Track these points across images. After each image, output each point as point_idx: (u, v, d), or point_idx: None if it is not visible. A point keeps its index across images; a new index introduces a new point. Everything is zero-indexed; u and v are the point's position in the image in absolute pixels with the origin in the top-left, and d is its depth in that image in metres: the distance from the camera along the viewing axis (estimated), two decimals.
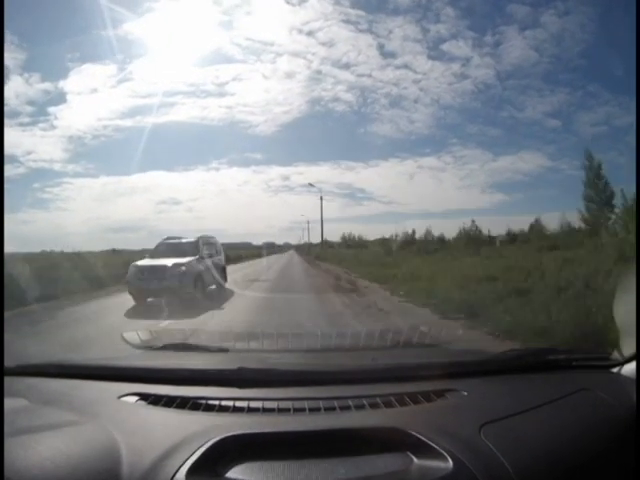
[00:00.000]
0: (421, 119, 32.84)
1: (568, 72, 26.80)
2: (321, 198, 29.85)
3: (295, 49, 34.41)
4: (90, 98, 31.00)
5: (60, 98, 29.49)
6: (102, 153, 35.78)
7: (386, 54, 31.41)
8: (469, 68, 27.16)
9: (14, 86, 24.71)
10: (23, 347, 3.09)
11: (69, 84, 33.05)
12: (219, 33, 30.91)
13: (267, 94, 39.04)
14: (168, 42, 31.25)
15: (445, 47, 29.73)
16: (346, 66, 31.10)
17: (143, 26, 29.93)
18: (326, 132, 38.47)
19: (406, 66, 29.08)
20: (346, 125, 35.96)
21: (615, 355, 1.42)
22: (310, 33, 32.74)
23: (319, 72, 31.90)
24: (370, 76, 29.79)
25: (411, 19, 29.84)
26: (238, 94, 38.25)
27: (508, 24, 26.89)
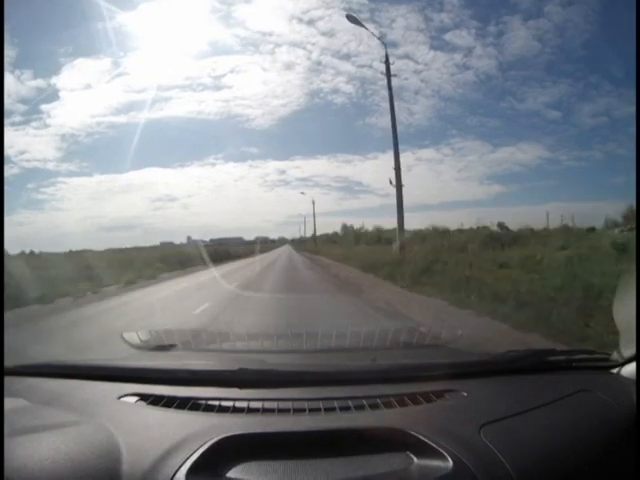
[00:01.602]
0: (421, 111, 32.44)
1: (570, 63, 26.75)
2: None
3: (295, 39, 33.60)
4: (83, 94, 30.43)
5: (53, 95, 28.83)
6: (96, 151, 35.39)
7: (388, 44, 31.09)
8: (471, 58, 27.00)
9: (6, 84, 24.01)
10: (23, 347, 3.09)
11: (62, 80, 31.84)
12: (217, 23, 29.85)
13: (265, 86, 38.33)
14: (164, 34, 30.04)
15: (448, 37, 29.46)
16: (346, 57, 30.64)
17: (138, 18, 28.61)
18: (324, 125, 38.12)
19: (408, 56, 28.63)
20: (345, 118, 35.45)
21: (615, 356, 1.42)
22: (310, 22, 31.79)
23: (319, 63, 31.24)
24: (371, 67, 29.20)
25: (414, 7, 29.62)
26: (235, 87, 37.81)
27: (512, 14, 26.83)
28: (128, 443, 0.96)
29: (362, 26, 16.54)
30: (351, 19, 16.28)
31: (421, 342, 2.12)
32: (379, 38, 16.63)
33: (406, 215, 14.60)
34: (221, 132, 35.10)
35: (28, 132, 28.96)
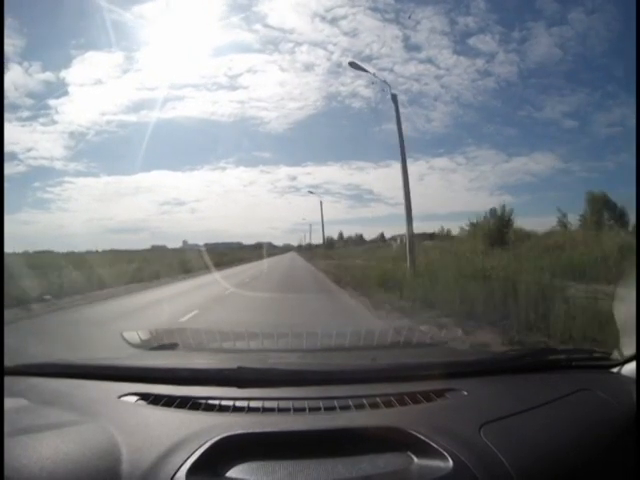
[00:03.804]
0: (439, 118, 31.46)
1: (590, 71, 26.01)
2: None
3: (316, 38, 31.64)
4: (93, 90, 29.01)
5: (62, 90, 27.43)
6: (105, 151, 34.24)
7: (411, 47, 30.09)
8: (493, 65, 26.35)
9: (13, 76, 22.63)
10: (23, 346, 3.08)
11: (71, 74, 30.80)
12: (236, 19, 27.32)
13: (282, 88, 36.41)
14: (180, 28, 28.43)
15: (472, 41, 28.66)
16: (368, 58, 28.76)
17: (153, 10, 27.84)
18: (340, 130, 36.71)
19: (430, 60, 27.81)
20: (361, 123, 34.19)
21: (615, 355, 1.43)
22: (333, 21, 30.42)
23: (339, 65, 29.45)
24: (392, 70, 27.91)
25: (441, 10, 28.72)
26: (251, 87, 36.05)
27: (536, 20, 25.97)
28: (128, 442, 0.96)
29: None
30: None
31: (421, 341, 2.12)
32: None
33: (414, 224, 13.52)
34: (234, 135, 33.92)
35: (35, 128, 27.99)
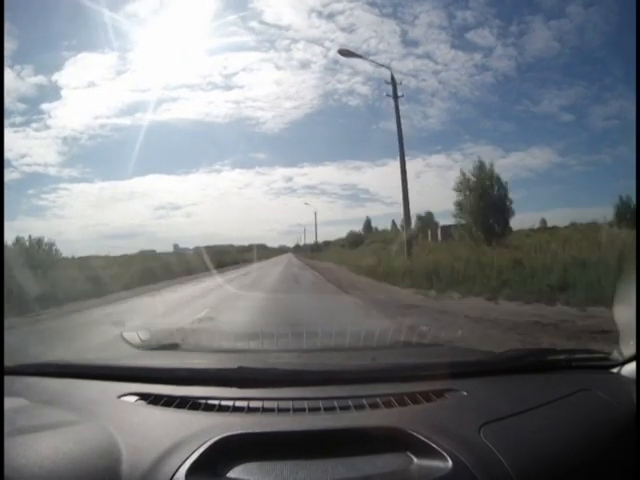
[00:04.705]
0: (436, 114, 30.84)
1: (587, 64, 25.95)
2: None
3: (313, 35, 31.22)
4: (87, 93, 28.08)
5: (54, 94, 26.92)
6: (99, 155, 33.26)
7: (408, 42, 29.12)
8: (491, 59, 26.23)
9: (5, 81, 21.59)
10: (23, 346, 3.08)
11: (64, 77, 29.85)
12: (231, 16, 26.43)
13: (278, 87, 36.14)
14: (174, 27, 27.81)
15: (470, 36, 28.15)
16: (365, 54, 27.85)
17: (146, 9, 27.39)
18: (336, 129, 36.01)
19: (428, 56, 27.10)
20: (358, 121, 33.43)
21: (615, 355, 1.42)
22: (330, 16, 29.58)
23: (336, 62, 28.58)
24: (390, 67, 28.25)
25: (439, 4, 28.40)
26: (247, 87, 35.16)
27: (535, 13, 26.11)
28: (128, 443, 0.96)
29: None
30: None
31: (421, 341, 2.12)
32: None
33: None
34: (229, 136, 32.80)
35: (28, 134, 27.24)
